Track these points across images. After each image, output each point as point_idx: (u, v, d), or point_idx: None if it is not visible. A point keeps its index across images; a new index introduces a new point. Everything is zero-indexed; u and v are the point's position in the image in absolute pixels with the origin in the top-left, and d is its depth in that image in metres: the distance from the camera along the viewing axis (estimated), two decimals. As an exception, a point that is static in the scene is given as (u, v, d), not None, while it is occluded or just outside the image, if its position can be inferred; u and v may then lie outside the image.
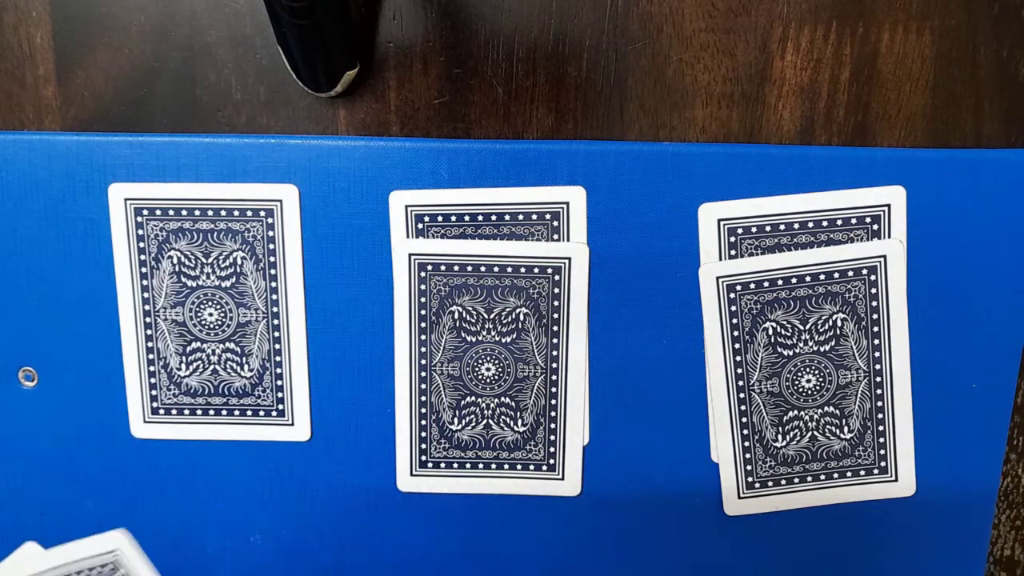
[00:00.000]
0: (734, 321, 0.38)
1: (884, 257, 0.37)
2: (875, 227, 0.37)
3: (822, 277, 0.37)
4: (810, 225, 0.37)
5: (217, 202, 0.37)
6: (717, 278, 0.37)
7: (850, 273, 0.37)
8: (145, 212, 0.37)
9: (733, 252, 0.37)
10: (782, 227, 0.37)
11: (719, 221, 0.37)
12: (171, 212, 0.37)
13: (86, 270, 0.38)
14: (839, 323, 0.38)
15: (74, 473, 0.40)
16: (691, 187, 0.37)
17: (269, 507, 0.40)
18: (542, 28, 0.36)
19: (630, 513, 0.39)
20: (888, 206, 0.37)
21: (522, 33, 0.36)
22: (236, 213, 0.37)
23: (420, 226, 0.37)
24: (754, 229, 0.37)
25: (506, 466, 0.39)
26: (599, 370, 0.38)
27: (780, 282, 0.37)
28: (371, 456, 0.39)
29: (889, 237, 0.37)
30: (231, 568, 0.40)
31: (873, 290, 0.37)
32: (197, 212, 0.37)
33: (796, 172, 0.36)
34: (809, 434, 0.39)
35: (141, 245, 0.38)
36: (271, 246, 0.38)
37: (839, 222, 0.37)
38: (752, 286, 0.37)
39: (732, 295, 0.37)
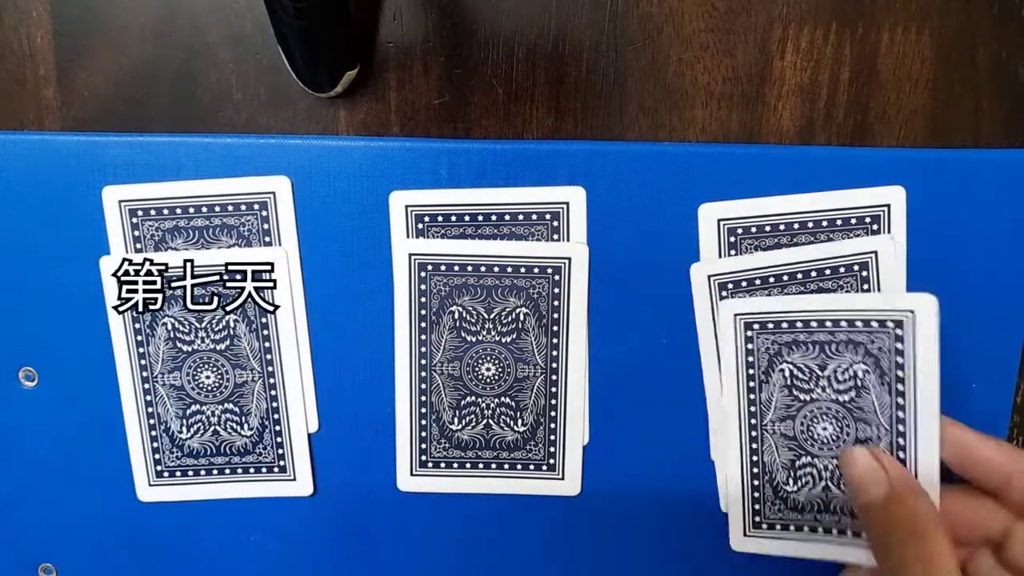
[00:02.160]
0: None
1: (875, 253, 0.37)
2: (874, 227, 0.37)
3: (813, 274, 0.37)
4: (810, 225, 0.37)
5: (212, 198, 0.37)
6: (708, 276, 0.37)
7: (841, 270, 0.37)
8: (140, 213, 0.37)
9: (733, 252, 0.37)
10: (782, 227, 0.37)
11: (719, 221, 0.37)
12: (165, 212, 0.37)
13: (86, 270, 0.38)
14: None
15: (74, 471, 0.40)
16: (691, 187, 0.37)
17: (268, 507, 0.40)
18: (542, 28, 0.36)
19: (630, 513, 0.39)
20: (888, 206, 0.37)
21: (522, 33, 0.36)
22: (230, 208, 0.37)
23: (420, 226, 0.37)
24: (754, 229, 0.37)
25: (506, 466, 0.39)
26: (599, 370, 0.38)
27: (772, 279, 0.37)
28: (371, 456, 0.39)
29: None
30: (230, 567, 0.40)
31: (865, 286, 0.37)
32: (191, 210, 0.37)
33: (796, 172, 0.36)
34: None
35: (138, 247, 0.37)
36: (267, 239, 0.37)
37: (839, 222, 0.37)
38: (744, 283, 0.37)
39: (724, 293, 0.37)
